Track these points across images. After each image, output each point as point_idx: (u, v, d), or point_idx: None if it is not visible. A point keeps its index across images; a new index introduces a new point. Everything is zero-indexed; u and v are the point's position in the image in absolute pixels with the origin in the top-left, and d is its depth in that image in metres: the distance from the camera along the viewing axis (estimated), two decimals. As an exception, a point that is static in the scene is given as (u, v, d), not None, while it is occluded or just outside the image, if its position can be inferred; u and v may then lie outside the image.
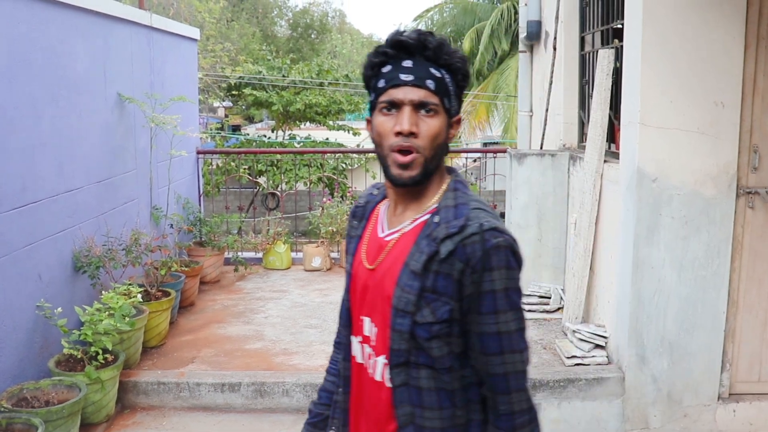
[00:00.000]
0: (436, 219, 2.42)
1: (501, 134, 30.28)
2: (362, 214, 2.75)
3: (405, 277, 2.40)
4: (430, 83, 2.41)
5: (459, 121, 2.57)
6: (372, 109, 2.53)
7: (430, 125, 2.41)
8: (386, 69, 2.47)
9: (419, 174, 2.41)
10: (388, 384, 2.48)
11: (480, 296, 2.35)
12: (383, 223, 2.61)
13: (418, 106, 2.40)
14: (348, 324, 2.70)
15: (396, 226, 2.54)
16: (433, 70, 2.44)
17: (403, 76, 2.42)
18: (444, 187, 2.54)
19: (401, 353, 2.42)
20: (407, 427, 2.46)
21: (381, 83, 2.47)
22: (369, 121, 2.57)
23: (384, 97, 2.44)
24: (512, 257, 2.38)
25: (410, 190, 2.49)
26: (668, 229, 5.87)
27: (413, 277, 2.38)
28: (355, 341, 2.65)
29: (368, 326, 2.56)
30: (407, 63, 2.45)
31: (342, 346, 2.76)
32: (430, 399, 2.43)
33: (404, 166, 2.40)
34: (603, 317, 6.82)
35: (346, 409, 2.71)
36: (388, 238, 2.54)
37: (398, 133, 2.39)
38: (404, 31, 2.49)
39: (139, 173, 8.42)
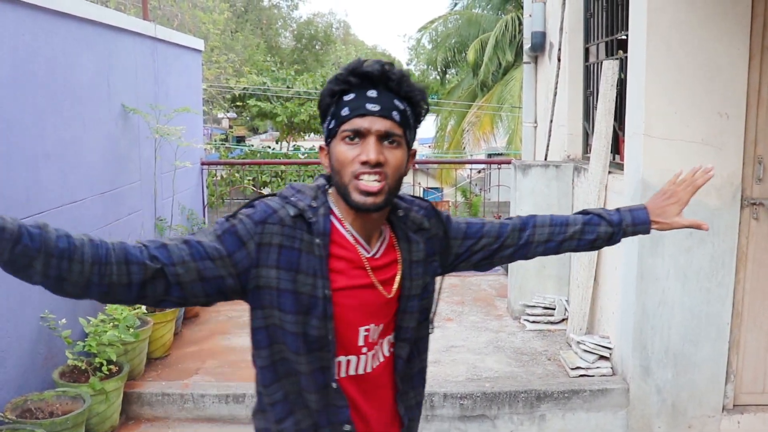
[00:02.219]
0: (401, 213, 2.65)
1: (505, 145, 30.34)
2: (320, 228, 2.48)
3: (410, 270, 2.60)
4: (395, 115, 2.40)
5: (414, 155, 2.60)
6: (330, 137, 2.48)
7: (395, 156, 2.41)
8: (349, 97, 2.43)
9: (383, 201, 2.40)
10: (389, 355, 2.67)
11: (454, 228, 2.82)
12: (361, 243, 2.55)
13: (384, 136, 2.38)
14: (330, 349, 2.50)
15: (376, 243, 2.58)
16: (397, 102, 2.42)
17: (370, 106, 2.38)
18: None
19: (409, 330, 2.65)
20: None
21: (345, 111, 2.41)
22: (323, 149, 2.55)
23: (348, 126, 2.39)
24: None
25: (377, 215, 2.51)
26: (672, 240, 5.87)
27: (418, 265, 2.63)
28: (346, 359, 2.55)
29: (372, 332, 2.56)
30: (372, 93, 2.41)
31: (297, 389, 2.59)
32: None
33: (368, 193, 2.37)
34: (607, 328, 6.82)
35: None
36: (377, 255, 2.57)
37: (364, 163, 2.36)
38: (366, 61, 2.45)
39: (143, 184, 8.42)
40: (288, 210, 2.44)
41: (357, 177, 2.36)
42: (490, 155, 32.15)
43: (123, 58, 7.90)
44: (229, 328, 8.35)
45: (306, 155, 24.92)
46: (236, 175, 16.92)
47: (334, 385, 2.50)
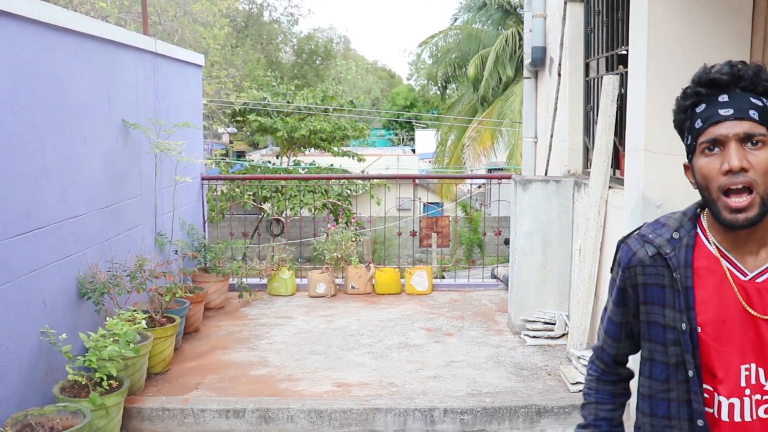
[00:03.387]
0: None
1: (505, 160, 30.40)
2: (680, 262, 2.45)
3: None
4: (753, 113, 2.24)
5: None
6: (690, 153, 2.39)
7: (761, 158, 2.23)
8: (700, 108, 2.34)
9: (756, 215, 2.24)
10: None
11: None
12: (737, 264, 2.38)
13: (744, 139, 2.23)
14: (695, 382, 2.43)
15: (760, 265, 2.37)
16: (753, 100, 2.28)
17: (723, 111, 2.27)
18: None
19: None
20: None
21: (698, 123, 2.32)
22: (687, 167, 2.46)
23: (704, 137, 2.29)
24: None
25: (757, 227, 2.32)
26: (673, 256, 5.85)
27: None
28: (728, 401, 2.39)
29: (754, 374, 2.36)
30: (723, 97, 2.29)
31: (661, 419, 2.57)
32: None
33: (738, 210, 2.23)
34: (608, 343, 6.80)
35: None
36: (760, 280, 2.35)
37: (727, 172, 2.22)
38: (713, 67, 2.36)
39: (143, 199, 8.42)
40: (647, 250, 2.49)
41: (724, 192, 2.24)
42: (490, 170, 32.18)
43: (123, 74, 7.90)
44: (229, 343, 8.34)
45: (306, 170, 24.89)
46: (236, 190, 16.96)
47: (700, 422, 2.42)
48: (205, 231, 10.83)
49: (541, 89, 9.81)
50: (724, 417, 2.39)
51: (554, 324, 8.03)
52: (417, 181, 15.77)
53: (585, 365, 6.59)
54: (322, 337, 8.51)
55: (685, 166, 2.48)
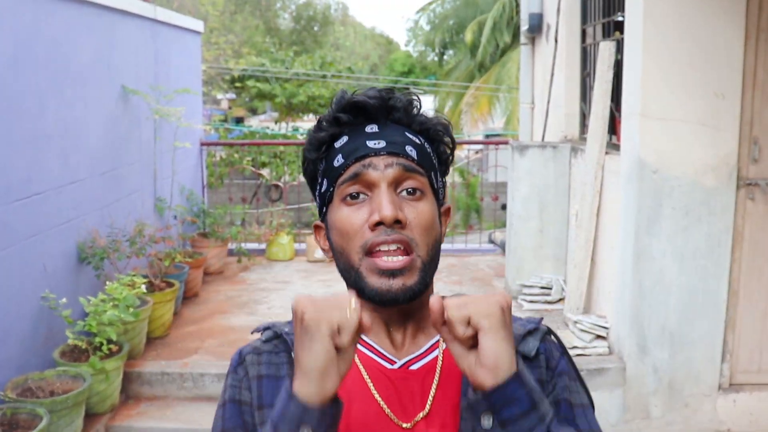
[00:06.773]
0: None
1: (503, 126, 30.31)
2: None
3: (472, 418, 1.50)
4: (410, 150, 1.61)
5: (448, 212, 1.77)
6: (325, 205, 1.68)
7: (420, 211, 1.58)
8: (341, 142, 1.64)
9: (417, 283, 1.56)
10: None
11: (565, 407, 1.78)
12: (378, 350, 1.67)
13: (399, 183, 1.59)
14: None
15: (416, 350, 1.67)
16: (409, 135, 1.65)
17: (372, 143, 1.60)
18: None
19: None
20: None
21: (338, 160, 1.62)
22: (318, 229, 1.76)
23: (345, 177, 1.60)
24: None
25: (407, 307, 1.62)
26: (669, 220, 5.89)
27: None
28: None
29: None
30: (372, 128, 1.64)
31: None
32: None
33: (391, 274, 1.53)
34: (604, 308, 6.85)
35: None
36: (413, 367, 1.65)
37: (377, 225, 1.54)
38: (354, 92, 1.66)
39: (143, 165, 8.45)
40: (262, 334, 1.77)
41: (371, 252, 1.55)
42: (487, 136, 32.11)
43: (123, 40, 7.92)
44: (229, 307, 8.39)
45: (304, 136, 24.94)
46: (235, 155, 16.96)
47: None
48: (204, 196, 10.87)
49: (537, 55, 9.81)
50: None
51: (551, 289, 8.06)
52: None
53: (582, 330, 6.65)
54: (320, 301, 8.55)
55: (315, 227, 1.78)
